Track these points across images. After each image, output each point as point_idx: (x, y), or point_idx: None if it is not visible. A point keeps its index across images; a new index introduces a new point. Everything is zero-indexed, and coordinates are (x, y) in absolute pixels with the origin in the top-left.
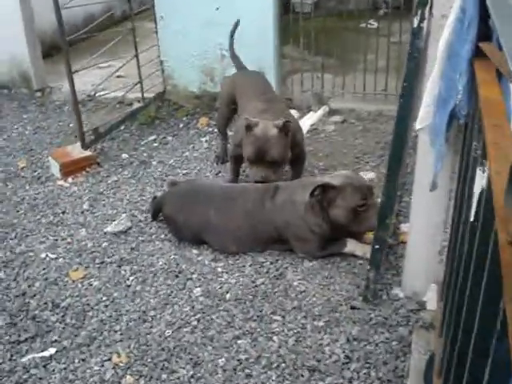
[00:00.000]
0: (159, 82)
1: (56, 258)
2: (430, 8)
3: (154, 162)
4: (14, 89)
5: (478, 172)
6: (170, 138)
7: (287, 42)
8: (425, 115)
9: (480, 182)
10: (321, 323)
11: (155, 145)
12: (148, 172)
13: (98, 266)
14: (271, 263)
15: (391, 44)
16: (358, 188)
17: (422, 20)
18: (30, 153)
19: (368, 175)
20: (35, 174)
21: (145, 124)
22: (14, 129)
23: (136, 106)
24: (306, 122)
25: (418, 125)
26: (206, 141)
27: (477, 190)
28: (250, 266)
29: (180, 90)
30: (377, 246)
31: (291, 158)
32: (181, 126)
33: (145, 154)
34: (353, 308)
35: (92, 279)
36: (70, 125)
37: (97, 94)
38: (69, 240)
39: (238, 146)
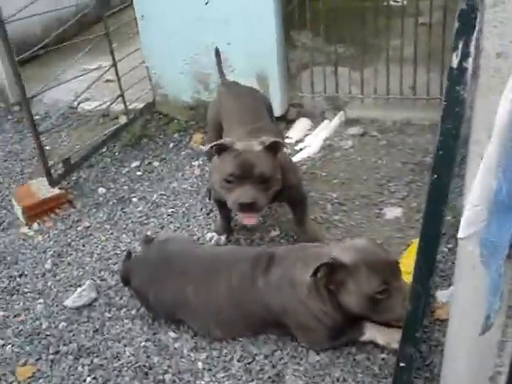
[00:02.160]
0: (147, 91)
1: (3, 346)
2: (478, 39)
3: (135, 199)
4: None
5: None
6: (156, 164)
7: (293, 28)
8: (473, 218)
9: None
10: None
11: (138, 173)
12: (126, 213)
13: (51, 357)
14: (266, 357)
15: (420, 26)
16: (376, 268)
17: (465, 57)
18: None
19: (394, 212)
20: None
21: (129, 145)
22: None
23: (123, 119)
24: (319, 135)
25: (461, 232)
26: (199, 165)
27: None
28: (238, 360)
29: (171, 101)
30: (402, 364)
31: (288, 197)
32: (171, 146)
33: (125, 188)
34: None
35: (41, 380)
36: (47, 147)
37: (80, 106)
38: (22, 317)
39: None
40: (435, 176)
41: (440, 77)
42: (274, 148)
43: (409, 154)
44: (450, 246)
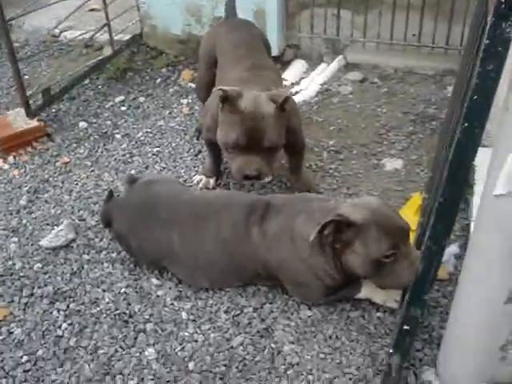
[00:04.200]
0: (135, 22)
1: None
2: None
3: (118, 136)
4: None
5: None
6: (142, 100)
7: None
8: None
9: None
10: None
11: (123, 109)
12: (108, 150)
13: (24, 300)
14: (255, 310)
15: None
16: (387, 230)
17: None
18: None
19: (393, 164)
20: None
21: (114, 78)
22: None
23: (108, 51)
24: (315, 79)
25: (501, 188)
26: (188, 103)
27: None
28: (225, 311)
29: (159, 33)
30: (406, 327)
31: (288, 143)
32: (158, 80)
33: (108, 123)
34: None
35: (13, 324)
36: (26, 77)
37: (62, 34)
38: None
39: (210, 130)
40: (466, 124)
41: (448, 27)
42: (284, 104)
43: (410, 103)
44: None
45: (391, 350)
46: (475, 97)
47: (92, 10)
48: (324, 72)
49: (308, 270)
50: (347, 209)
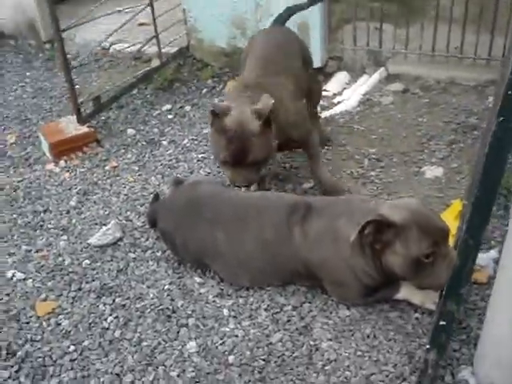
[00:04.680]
0: (182, 35)
1: (24, 280)
2: None
3: (165, 142)
4: (20, 40)
5: None
6: (188, 109)
7: None
8: None
9: None
10: None
11: (170, 117)
12: (155, 155)
13: (72, 294)
14: (294, 308)
15: None
16: (426, 230)
17: None
18: (24, 123)
19: (434, 172)
20: (23, 153)
21: (161, 88)
22: (13, 90)
23: (155, 63)
24: (357, 90)
25: None
26: None
27: None
28: (265, 309)
29: (205, 46)
30: (442, 323)
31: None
32: (204, 91)
33: (155, 130)
34: None
35: (61, 316)
36: (77, 86)
37: (112, 47)
38: (45, 252)
39: None
40: (501, 118)
41: (490, 38)
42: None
43: (451, 113)
44: None
45: (428, 346)
46: (510, 92)
47: (141, 24)
48: (366, 83)
49: (348, 270)
50: (387, 209)
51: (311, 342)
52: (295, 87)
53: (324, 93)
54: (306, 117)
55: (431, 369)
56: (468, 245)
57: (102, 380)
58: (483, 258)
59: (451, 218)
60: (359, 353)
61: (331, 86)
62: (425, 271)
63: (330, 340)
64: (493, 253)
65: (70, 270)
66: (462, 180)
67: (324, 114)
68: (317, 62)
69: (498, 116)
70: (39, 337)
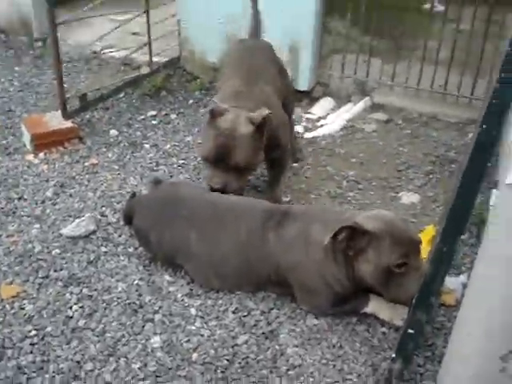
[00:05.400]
0: (174, 46)
1: None
2: None
3: (147, 145)
4: (12, 35)
5: None
6: (173, 117)
7: (331, 14)
8: None
9: None
10: None
11: (154, 122)
12: (136, 157)
13: (39, 281)
14: (262, 313)
15: (459, 32)
16: (399, 241)
17: None
18: (7, 114)
19: (410, 198)
20: (4, 141)
21: (148, 95)
22: (0, 82)
23: (145, 70)
24: (342, 115)
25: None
26: None
27: None
28: (233, 312)
29: (197, 58)
30: (410, 331)
31: (270, 157)
32: (190, 101)
33: (138, 133)
34: None
35: (26, 301)
36: (65, 85)
37: (103, 51)
38: (15, 238)
39: None
40: (484, 126)
41: (473, 81)
42: (264, 124)
43: (431, 146)
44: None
45: (393, 355)
46: (494, 101)
47: (134, 33)
48: (350, 110)
49: (319, 276)
50: (362, 218)
51: (277, 347)
52: (277, 96)
53: (308, 115)
54: (287, 126)
55: (395, 379)
56: (441, 252)
57: (61, 366)
58: (453, 281)
59: (424, 242)
60: (324, 361)
61: (316, 110)
62: (395, 281)
63: (296, 346)
64: (462, 278)
65: (40, 257)
66: (436, 208)
67: (306, 135)
68: (304, 86)
69: (481, 124)
70: (0, 319)
